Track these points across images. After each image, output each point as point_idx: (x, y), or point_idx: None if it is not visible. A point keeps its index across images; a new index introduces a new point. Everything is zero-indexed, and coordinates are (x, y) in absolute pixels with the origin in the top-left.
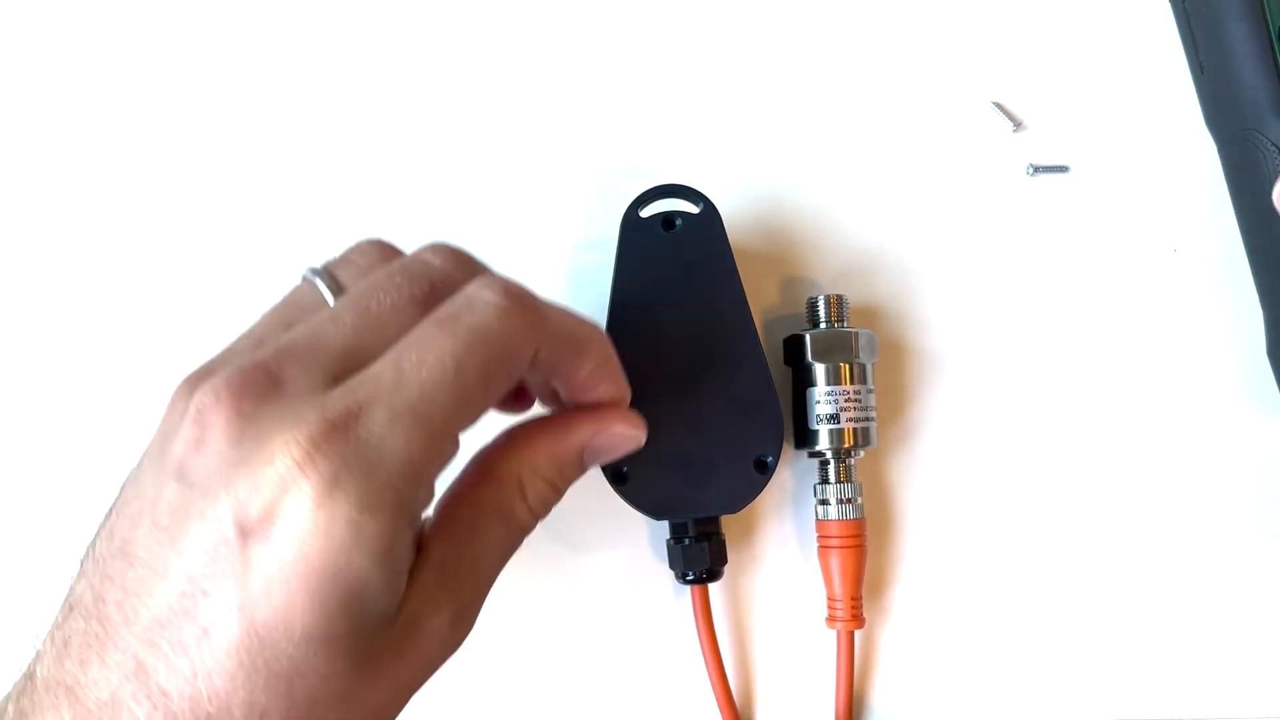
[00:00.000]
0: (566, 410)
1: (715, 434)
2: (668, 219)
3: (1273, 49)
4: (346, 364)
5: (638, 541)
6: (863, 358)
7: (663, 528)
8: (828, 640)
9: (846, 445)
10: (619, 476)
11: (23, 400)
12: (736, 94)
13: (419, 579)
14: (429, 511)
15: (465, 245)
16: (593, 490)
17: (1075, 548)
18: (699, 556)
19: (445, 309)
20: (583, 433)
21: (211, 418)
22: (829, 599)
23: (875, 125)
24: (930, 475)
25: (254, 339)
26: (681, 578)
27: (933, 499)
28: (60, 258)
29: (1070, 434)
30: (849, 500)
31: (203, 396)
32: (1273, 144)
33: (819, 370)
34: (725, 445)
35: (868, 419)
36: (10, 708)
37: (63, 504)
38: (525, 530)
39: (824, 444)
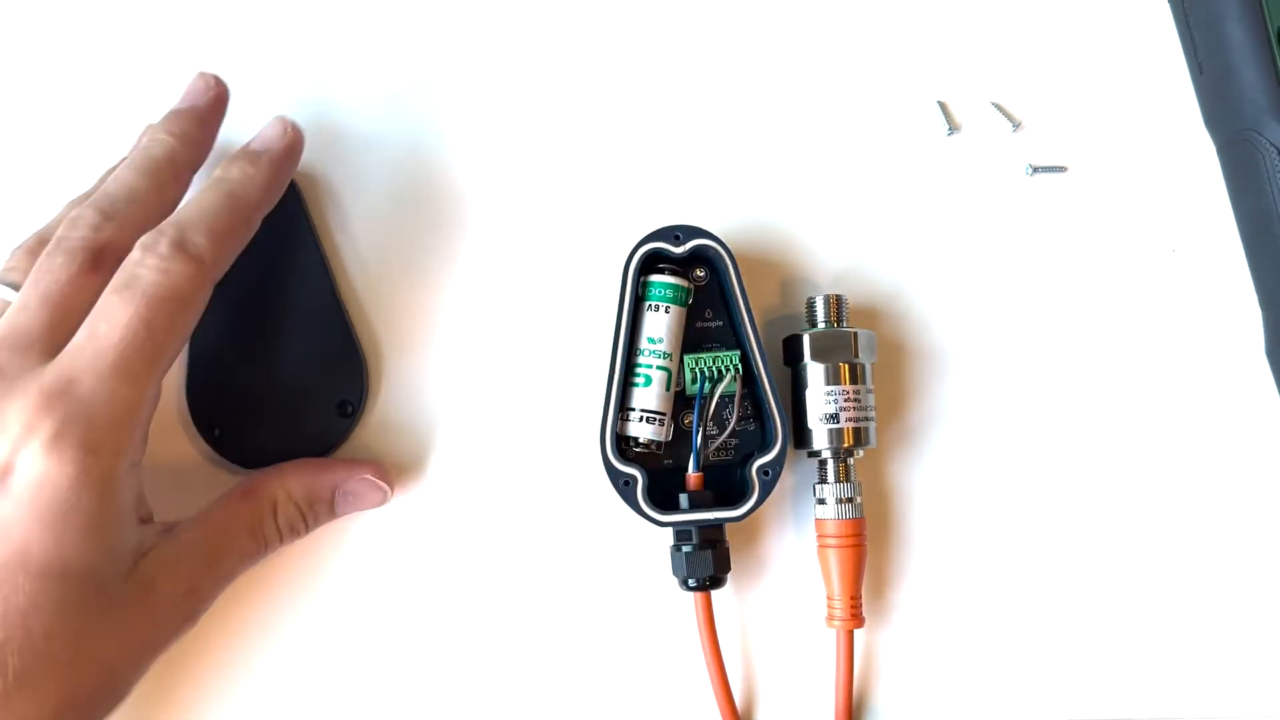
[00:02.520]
0: (332, 459)
1: (299, 384)
2: None
3: (1272, 49)
4: (50, 341)
5: (640, 545)
6: (862, 358)
7: (666, 532)
8: (827, 639)
9: (845, 445)
10: (210, 434)
11: None
12: (734, 94)
13: (162, 550)
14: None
15: None
16: (594, 493)
17: (1075, 547)
18: (702, 564)
19: (117, 279)
20: (336, 474)
21: None
22: (828, 598)
23: (874, 125)
24: (929, 475)
25: None
26: (684, 584)
27: (932, 498)
28: None
29: (1070, 434)
30: (848, 500)
31: None
32: (1271, 144)
33: (818, 370)
34: (309, 393)
35: (867, 419)
36: None
37: None
38: (268, 546)
39: (823, 444)
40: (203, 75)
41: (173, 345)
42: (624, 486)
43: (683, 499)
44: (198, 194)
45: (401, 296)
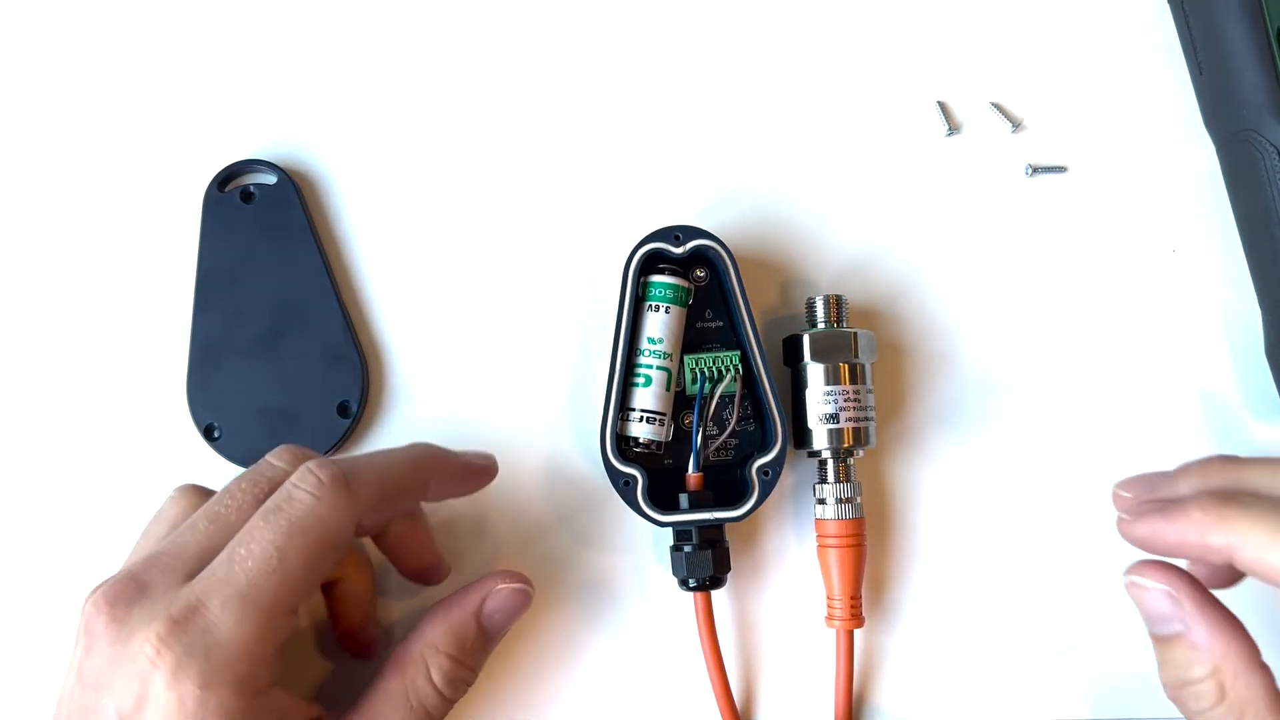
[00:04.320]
0: (461, 588)
1: (300, 385)
2: (245, 192)
3: (1271, 50)
4: (200, 563)
5: (640, 545)
6: (861, 358)
7: (666, 532)
8: (827, 639)
9: (845, 445)
10: (210, 435)
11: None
12: (734, 94)
13: None
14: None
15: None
16: (594, 496)
17: (1074, 547)
18: (702, 564)
19: (270, 502)
20: (470, 602)
21: (95, 626)
22: (828, 598)
23: (874, 126)
24: (929, 475)
25: (143, 551)
26: (684, 584)
27: (932, 498)
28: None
29: (1069, 434)
30: (848, 500)
31: (89, 608)
32: (1271, 144)
33: (818, 370)
34: (309, 394)
35: (866, 419)
36: None
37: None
38: (430, 711)
39: (823, 444)
40: (489, 456)
41: (307, 578)
42: (624, 486)
43: (683, 499)
44: (384, 449)
45: (402, 298)
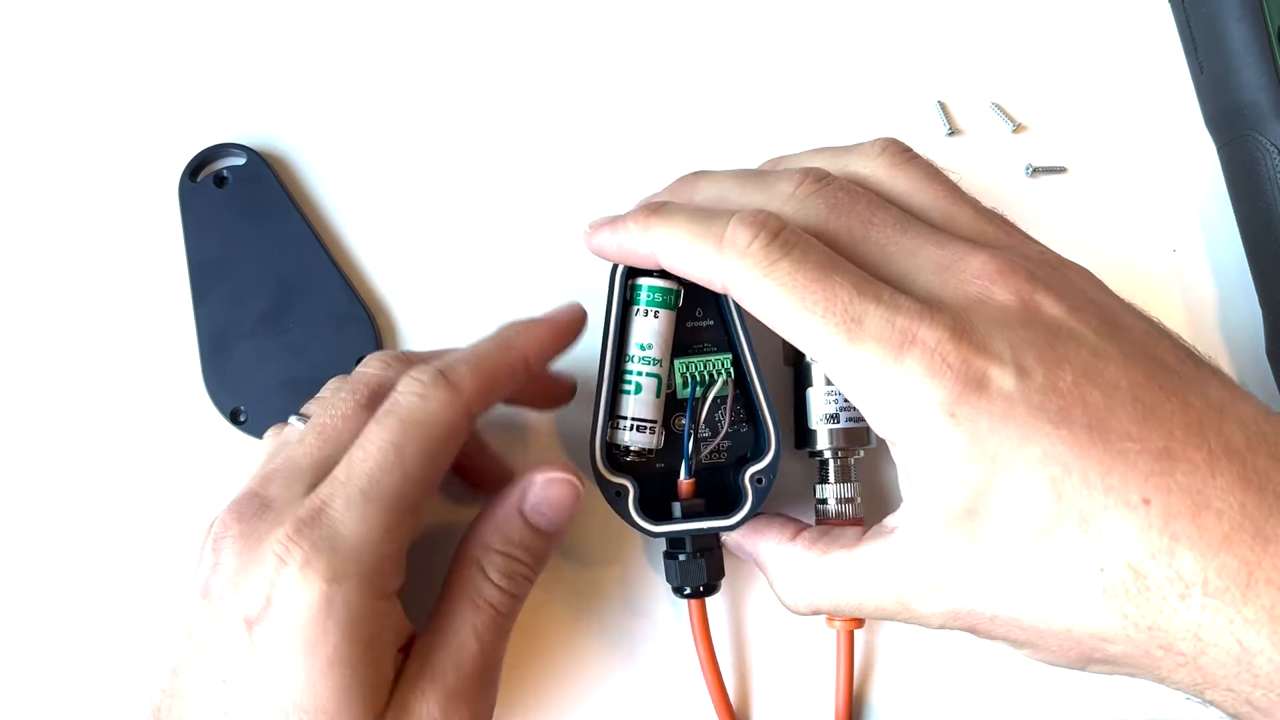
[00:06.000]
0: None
1: (316, 351)
2: (218, 176)
3: (1272, 50)
4: (317, 474)
5: (635, 552)
6: None
7: (662, 539)
8: (827, 639)
9: (846, 445)
10: (236, 419)
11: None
12: (732, 93)
13: (406, 671)
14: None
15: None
16: (585, 505)
17: None
18: (695, 572)
19: (382, 408)
20: (512, 498)
21: (222, 543)
22: None
23: (875, 126)
24: None
25: (256, 477)
26: (678, 592)
27: None
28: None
29: None
30: (848, 500)
31: (216, 528)
32: (1272, 145)
33: (818, 370)
34: (327, 357)
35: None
36: None
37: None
38: (495, 606)
39: (823, 443)
40: (574, 306)
41: (426, 472)
42: (615, 497)
43: (675, 508)
44: (476, 340)
45: (392, 290)
